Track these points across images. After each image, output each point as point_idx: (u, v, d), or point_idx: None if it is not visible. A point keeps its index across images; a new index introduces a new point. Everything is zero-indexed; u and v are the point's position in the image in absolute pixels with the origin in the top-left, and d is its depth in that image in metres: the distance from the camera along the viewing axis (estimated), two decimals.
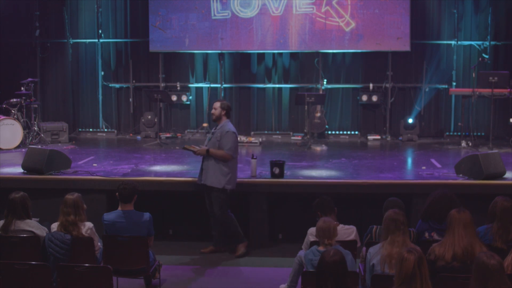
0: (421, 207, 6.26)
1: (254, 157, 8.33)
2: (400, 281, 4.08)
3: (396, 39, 12.27)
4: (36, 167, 8.37)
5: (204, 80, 13.00)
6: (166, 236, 8.32)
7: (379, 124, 12.79)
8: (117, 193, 6.31)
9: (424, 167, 9.14)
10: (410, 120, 12.31)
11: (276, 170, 8.16)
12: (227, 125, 7.62)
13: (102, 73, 13.21)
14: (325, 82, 12.55)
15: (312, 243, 5.62)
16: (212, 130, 7.78)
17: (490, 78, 10.66)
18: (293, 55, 12.85)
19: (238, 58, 12.97)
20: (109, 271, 5.27)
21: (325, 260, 4.31)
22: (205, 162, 7.62)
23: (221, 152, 7.50)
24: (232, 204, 8.41)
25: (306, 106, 11.47)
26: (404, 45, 12.27)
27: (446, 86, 12.48)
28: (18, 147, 10.90)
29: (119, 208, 6.31)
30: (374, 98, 12.52)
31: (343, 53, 12.67)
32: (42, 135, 11.59)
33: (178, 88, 12.94)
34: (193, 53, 12.98)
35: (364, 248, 5.62)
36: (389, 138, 12.45)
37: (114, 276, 5.58)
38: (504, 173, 8.14)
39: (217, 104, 7.70)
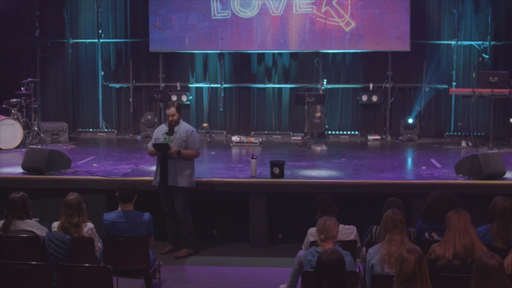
0: (421, 207, 6.26)
1: (254, 157, 8.33)
2: (400, 281, 4.08)
3: (396, 39, 12.27)
4: (36, 167, 8.37)
5: (204, 80, 12.99)
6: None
7: (379, 124, 12.78)
8: (117, 193, 6.32)
9: (424, 167, 9.14)
10: (410, 120, 12.30)
11: (276, 170, 8.16)
12: (187, 124, 7.80)
13: (102, 73, 13.21)
14: (325, 82, 12.53)
15: (312, 243, 5.61)
16: (165, 131, 7.69)
17: (490, 78, 10.66)
18: (293, 55, 12.84)
19: (238, 58, 12.96)
20: (109, 271, 5.27)
21: (322, 258, 4.32)
22: (170, 163, 7.53)
23: (191, 151, 7.57)
24: (232, 204, 8.43)
25: (306, 106, 11.46)
26: (404, 45, 12.26)
27: (446, 86, 12.47)
28: (18, 147, 10.89)
29: (119, 208, 6.32)
30: (374, 98, 12.50)
31: (343, 53, 12.66)
32: (42, 135, 11.58)
33: (178, 88, 12.93)
34: (193, 53, 12.97)
35: (364, 248, 5.62)
36: (389, 138, 12.44)
37: (114, 276, 5.59)
38: (504, 173, 8.14)
39: (173, 110, 7.62)
